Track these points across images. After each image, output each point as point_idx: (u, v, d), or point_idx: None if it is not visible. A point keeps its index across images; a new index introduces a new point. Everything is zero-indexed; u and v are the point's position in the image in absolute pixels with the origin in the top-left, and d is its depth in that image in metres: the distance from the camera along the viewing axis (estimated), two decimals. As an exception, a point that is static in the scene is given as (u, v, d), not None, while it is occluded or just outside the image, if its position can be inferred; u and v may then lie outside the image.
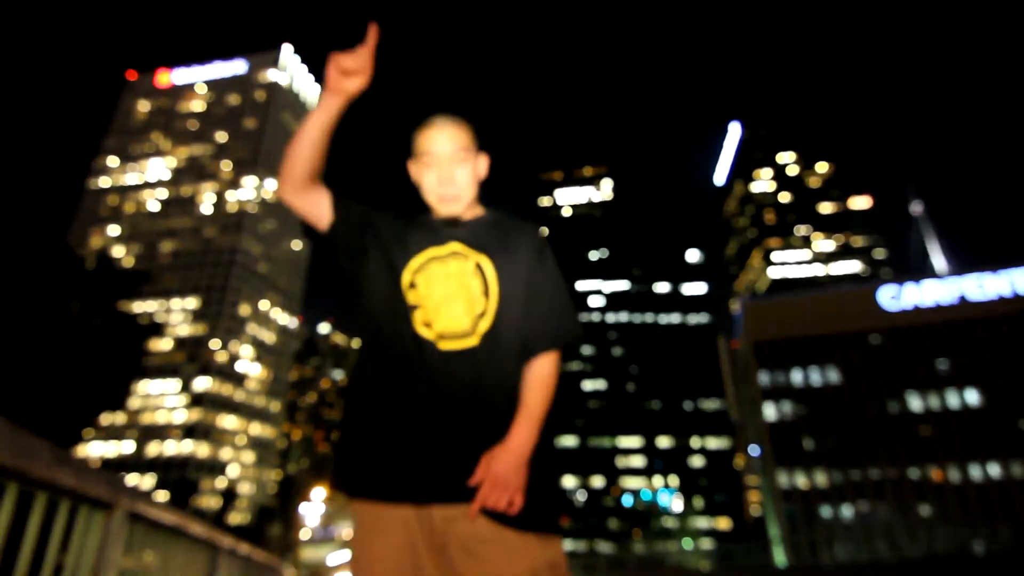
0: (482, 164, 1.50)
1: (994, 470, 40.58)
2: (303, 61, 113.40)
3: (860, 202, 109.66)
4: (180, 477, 66.77)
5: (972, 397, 43.05)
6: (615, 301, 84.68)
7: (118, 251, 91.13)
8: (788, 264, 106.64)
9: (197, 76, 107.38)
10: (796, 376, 47.42)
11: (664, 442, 73.81)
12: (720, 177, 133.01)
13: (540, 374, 1.34)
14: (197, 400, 79.15)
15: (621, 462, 73.35)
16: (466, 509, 1.21)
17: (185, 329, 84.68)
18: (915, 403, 44.09)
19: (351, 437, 1.34)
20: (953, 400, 43.42)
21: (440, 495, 1.22)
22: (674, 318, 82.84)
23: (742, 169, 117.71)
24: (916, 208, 74.46)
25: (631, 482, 72.04)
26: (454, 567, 1.21)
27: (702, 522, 65.96)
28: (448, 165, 1.42)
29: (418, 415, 1.27)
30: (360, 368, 1.41)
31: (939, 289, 46.01)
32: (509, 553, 1.19)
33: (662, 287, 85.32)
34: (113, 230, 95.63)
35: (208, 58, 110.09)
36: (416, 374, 1.30)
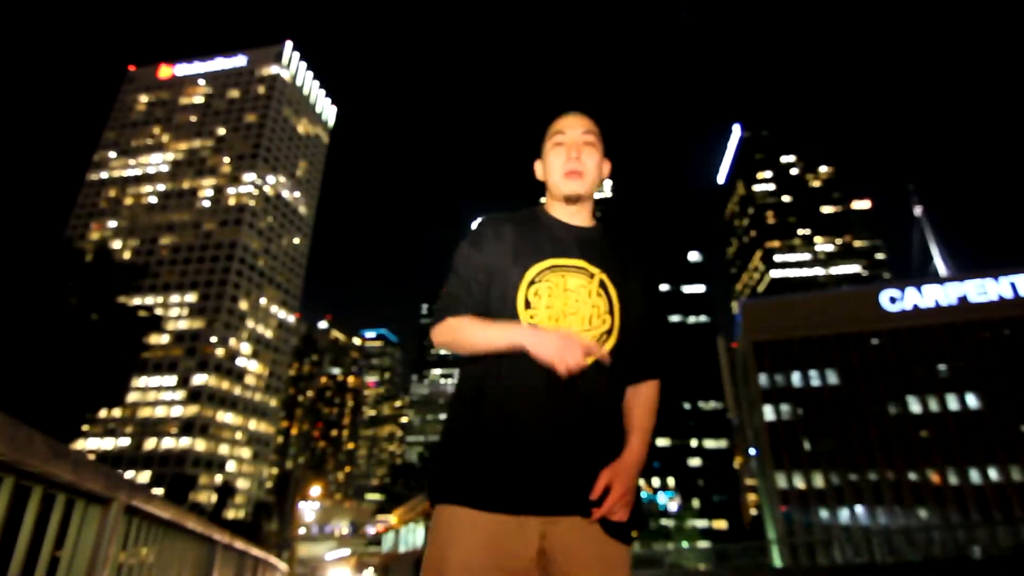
0: (606, 166, 1.56)
1: (993, 474, 40.64)
2: (304, 57, 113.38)
3: (861, 204, 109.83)
4: (177, 472, 66.78)
5: (972, 400, 43.09)
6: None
7: (117, 245, 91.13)
8: (789, 265, 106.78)
9: (197, 70, 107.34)
10: (795, 377, 47.44)
11: (662, 442, 73.95)
12: (721, 178, 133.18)
13: (651, 397, 1.43)
14: (195, 395, 79.21)
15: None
16: (574, 521, 1.22)
17: (184, 324, 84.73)
18: (914, 406, 44.12)
19: (466, 448, 1.29)
20: (953, 403, 43.45)
21: (560, 507, 1.22)
22: (674, 318, 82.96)
23: (743, 170, 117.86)
24: (917, 210, 74.51)
25: (629, 482, 72.06)
26: None
27: (699, 523, 66.07)
28: (578, 145, 1.48)
29: (537, 427, 1.26)
30: (470, 380, 1.38)
31: (939, 291, 46.02)
32: (609, 563, 1.23)
33: (662, 287, 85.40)
34: (112, 224, 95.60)
35: (209, 53, 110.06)
36: (534, 387, 1.28)
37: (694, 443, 73.91)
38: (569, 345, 1.21)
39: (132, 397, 73.97)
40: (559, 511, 1.22)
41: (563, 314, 1.35)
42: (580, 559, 1.21)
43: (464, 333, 1.37)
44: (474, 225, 1.54)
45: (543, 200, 1.64)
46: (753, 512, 75.30)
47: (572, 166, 1.47)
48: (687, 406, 76.13)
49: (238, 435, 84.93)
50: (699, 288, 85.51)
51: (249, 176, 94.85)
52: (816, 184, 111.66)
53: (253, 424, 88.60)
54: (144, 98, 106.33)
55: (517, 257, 1.41)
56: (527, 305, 1.36)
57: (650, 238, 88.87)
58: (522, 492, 1.21)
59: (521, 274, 1.39)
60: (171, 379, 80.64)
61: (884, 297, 47.18)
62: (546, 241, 1.44)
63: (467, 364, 1.41)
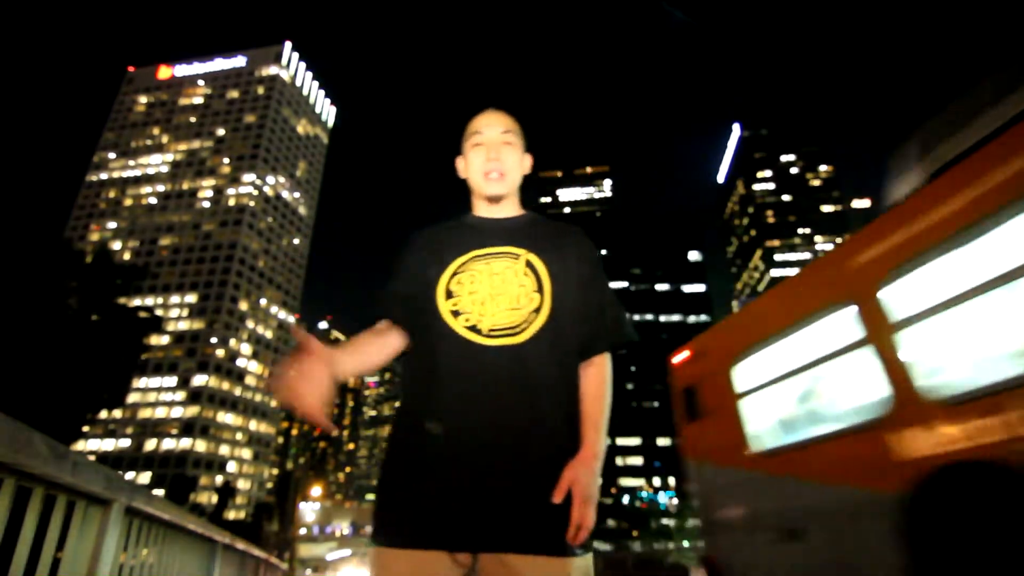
0: (527, 161, 1.55)
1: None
2: (304, 57, 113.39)
3: (861, 202, 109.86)
4: (178, 473, 66.77)
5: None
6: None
7: (116, 246, 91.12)
8: (789, 264, 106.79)
9: (197, 71, 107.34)
10: (795, 376, 47.42)
11: (662, 442, 73.96)
12: (721, 177, 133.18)
13: (599, 379, 1.33)
14: (195, 396, 79.19)
15: (619, 461, 73.48)
16: (512, 559, 1.09)
17: (184, 325, 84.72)
18: (914, 404, 44.12)
19: (390, 485, 1.22)
20: (952, 402, 43.46)
21: (482, 542, 1.10)
22: (674, 318, 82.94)
23: (743, 169, 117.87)
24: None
25: (629, 481, 72.18)
26: None
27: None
28: (496, 145, 1.47)
29: (445, 449, 1.17)
30: (404, 398, 1.34)
31: (939, 291, 46.05)
32: None
33: (662, 287, 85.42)
34: (112, 225, 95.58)
35: (209, 54, 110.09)
36: (462, 376, 1.23)
37: (694, 442, 73.87)
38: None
39: (132, 398, 73.95)
40: (481, 547, 1.10)
41: (489, 296, 1.31)
42: None
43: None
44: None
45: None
46: (754, 511, 75.31)
47: (492, 167, 1.46)
48: (687, 405, 76.11)
49: (239, 436, 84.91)
50: (699, 288, 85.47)
51: (249, 177, 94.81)
52: (816, 183, 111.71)
53: (253, 425, 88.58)
54: (143, 99, 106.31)
55: (437, 256, 1.41)
56: (448, 295, 1.33)
57: (650, 238, 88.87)
58: (429, 527, 1.11)
59: (442, 270, 1.37)
60: (171, 380, 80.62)
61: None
62: (469, 236, 1.44)
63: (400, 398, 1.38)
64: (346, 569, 57.77)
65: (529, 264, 1.37)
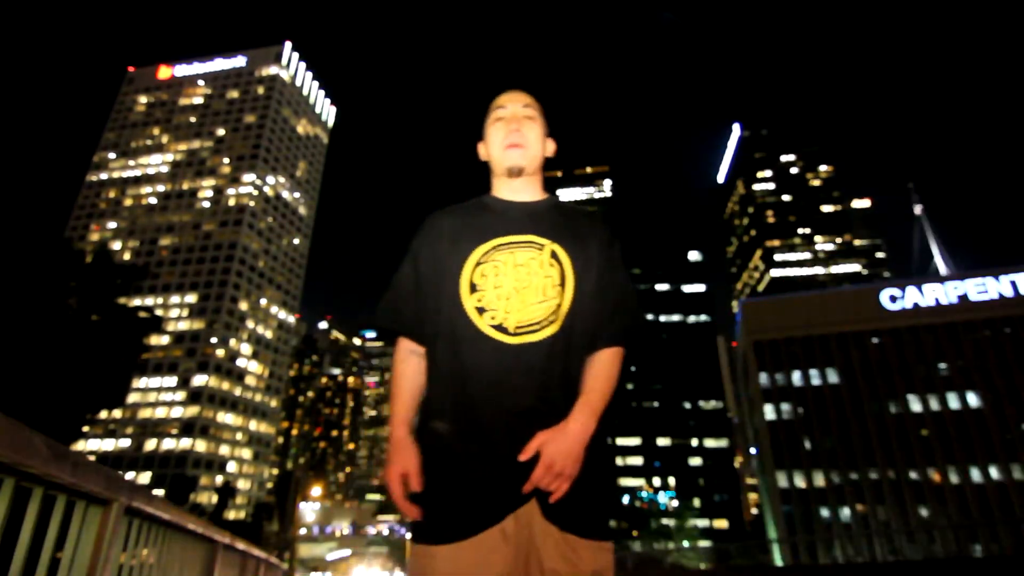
0: (550, 145, 1.53)
1: (994, 472, 40.60)
2: (304, 57, 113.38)
3: (861, 202, 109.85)
4: (178, 473, 66.75)
5: (972, 399, 43.05)
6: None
7: (117, 246, 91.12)
8: (789, 264, 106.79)
9: (197, 71, 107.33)
10: (796, 376, 47.40)
11: (663, 442, 73.96)
12: (721, 177, 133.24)
13: (605, 366, 1.32)
14: (195, 396, 79.16)
15: (620, 461, 73.45)
16: (532, 514, 1.18)
17: (184, 325, 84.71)
18: (915, 404, 44.07)
19: (431, 488, 1.24)
20: (953, 402, 43.41)
21: (514, 502, 1.17)
22: (674, 318, 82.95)
23: (743, 169, 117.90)
24: (917, 209, 74.50)
25: (629, 481, 72.17)
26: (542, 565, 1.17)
27: (700, 522, 66.06)
28: (518, 118, 1.46)
29: (495, 425, 1.21)
30: (428, 400, 1.35)
31: (940, 290, 45.99)
32: (563, 556, 1.16)
33: (662, 287, 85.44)
34: (112, 225, 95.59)
35: (209, 54, 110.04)
36: (490, 379, 1.24)
37: (694, 442, 73.86)
38: (390, 476, 1.26)
39: (132, 398, 73.96)
40: (507, 510, 1.17)
41: (515, 290, 1.29)
42: (539, 543, 1.17)
43: (394, 382, 1.39)
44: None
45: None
46: (754, 511, 75.37)
47: (512, 139, 1.44)
48: (687, 405, 76.10)
49: (239, 436, 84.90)
50: (699, 288, 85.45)
51: (249, 177, 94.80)
52: (816, 183, 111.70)
53: (254, 425, 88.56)
54: (143, 99, 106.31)
55: (458, 245, 1.38)
56: (472, 289, 1.31)
57: (650, 238, 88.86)
58: (486, 507, 1.17)
59: (463, 261, 1.35)
60: (171, 380, 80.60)
61: (884, 296, 47.15)
62: (491, 222, 1.40)
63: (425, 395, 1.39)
64: (357, 569, 57.87)
65: (554, 255, 1.35)
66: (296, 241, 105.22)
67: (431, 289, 1.37)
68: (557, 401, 1.24)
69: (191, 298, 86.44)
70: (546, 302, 1.29)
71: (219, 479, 76.26)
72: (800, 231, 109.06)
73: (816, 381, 46.84)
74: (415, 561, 1.19)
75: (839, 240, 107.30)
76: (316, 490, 71.60)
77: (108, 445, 77.08)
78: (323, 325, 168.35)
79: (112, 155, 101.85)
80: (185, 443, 75.95)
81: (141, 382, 77.53)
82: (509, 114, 1.46)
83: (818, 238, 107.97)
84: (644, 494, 70.85)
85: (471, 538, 1.14)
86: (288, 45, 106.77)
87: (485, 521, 1.15)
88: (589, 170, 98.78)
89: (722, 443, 74.02)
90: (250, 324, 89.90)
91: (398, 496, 1.22)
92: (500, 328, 1.26)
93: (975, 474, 40.94)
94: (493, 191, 1.51)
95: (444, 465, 1.22)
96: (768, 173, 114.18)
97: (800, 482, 44.15)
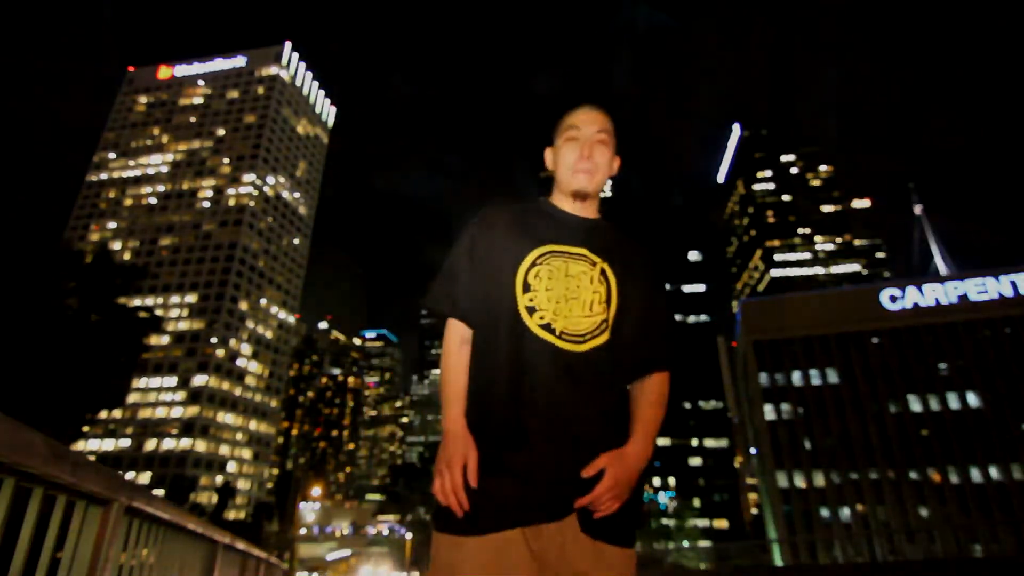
0: (616, 163, 1.53)
1: (994, 472, 40.61)
2: (303, 57, 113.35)
3: (861, 203, 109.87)
4: (178, 473, 66.76)
5: (972, 399, 43.06)
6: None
7: (116, 246, 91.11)
8: (789, 264, 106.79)
9: (197, 71, 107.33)
10: (795, 376, 47.40)
11: (663, 441, 73.95)
12: (721, 177, 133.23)
13: (659, 391, 1.36)
14: (195, 396, 79.16)
15: (619, 461, 73.38)
16: (568, 523, 1.19)
17: (184, 325, 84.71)
18: (915, 404, 44.07)
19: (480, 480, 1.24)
20: (953, 402, 43.42)
21: (555, 512, 1.18)
22: (674, 318, 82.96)
23: (743, 169, 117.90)
24: (917, 209, 74.53)
25: (629, 481, 72.10)
26: None
27: (700, 522, 66.08)
28: (591, 143, 1.45)
29: (536, 423, 1.22)
30: (475, 387, 1.35)
31: (940, 290, 45.99)
32: (593, 562, 1.18)
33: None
34: (112, 225, 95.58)
35: (208, 54, 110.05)
36: (535, 376, 1.26)
37: (694, 442, 73.91)
38: (452, 462, 1.22)
39: (132, 398, 73.95)
40: (555, 517, 1.18)
41: (564, 298, 1.32)
42: (569, 559, 1.17)
43: (444, 369, 1.38)
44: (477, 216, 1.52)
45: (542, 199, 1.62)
46: (754, 511, 75.29)
47: (584, 165, 1.44)
48: (687, 405, 76.13)
49: (239, 436, 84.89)
50: (699, 288, 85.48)
51: (249, 177, 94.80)
52: (816, 183, 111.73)
53: (254, 425, 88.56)
54: (143, 99, 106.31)
55: (516, 241, 1.40)
56: (526, 288, 1.34)
57: (650, 237, 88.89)
58: (520, 506, 1.17)
59: (520, 258, 1.37)
60: (171, 380, 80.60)
61: (884, 296, 47.16)
62: (548, 228, 1.43)
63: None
64: (363, 569, 57.77)
65: (603, 273, 1.38)
66: (296, 241, 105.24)
67: (485, 280, 1.39)
68: (609, 418, 1.27)
69: (191, 298, 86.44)
70: (592, 317, 1.32)
71: (219, 479, 76.25)
72: (800, 231, 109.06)
73: (816, 381, 46.84)
74: (440, 551, 1.20)
75: (839, 240, 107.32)
76: (316, 490, 71.64)
77: (108, 445, 77.08)
78: (323, 325, 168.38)
79: (112, 155, 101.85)
80: (185, 443, 75.94)
81: (141, 382, 77.51)
82: (583, 136, 1.46)
83: (818, 238, 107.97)
84: (644, 494, 70.85)
85: (504, 532, 1.15)
86: (288, 45, 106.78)
87: (524, 520, 1.16)
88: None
89: (722, 443, 74.06)
90: (250, 324, 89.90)
91: (458, 485, 1.21)
92: (547, 328, 1.29)
93: (975, 474, 40.94)
94: (552, 199, 1.54)
95: (493, 460, 1.22)
96: (768, 173, 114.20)
97: (800, 482, 44.15)
